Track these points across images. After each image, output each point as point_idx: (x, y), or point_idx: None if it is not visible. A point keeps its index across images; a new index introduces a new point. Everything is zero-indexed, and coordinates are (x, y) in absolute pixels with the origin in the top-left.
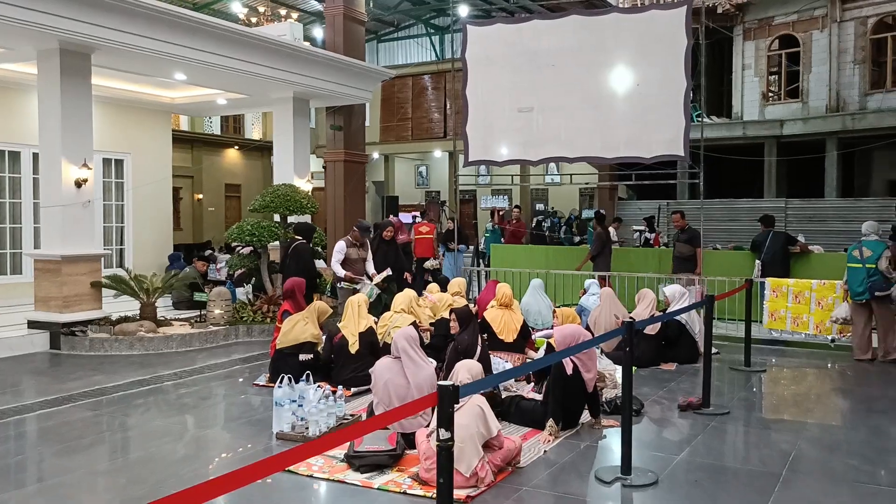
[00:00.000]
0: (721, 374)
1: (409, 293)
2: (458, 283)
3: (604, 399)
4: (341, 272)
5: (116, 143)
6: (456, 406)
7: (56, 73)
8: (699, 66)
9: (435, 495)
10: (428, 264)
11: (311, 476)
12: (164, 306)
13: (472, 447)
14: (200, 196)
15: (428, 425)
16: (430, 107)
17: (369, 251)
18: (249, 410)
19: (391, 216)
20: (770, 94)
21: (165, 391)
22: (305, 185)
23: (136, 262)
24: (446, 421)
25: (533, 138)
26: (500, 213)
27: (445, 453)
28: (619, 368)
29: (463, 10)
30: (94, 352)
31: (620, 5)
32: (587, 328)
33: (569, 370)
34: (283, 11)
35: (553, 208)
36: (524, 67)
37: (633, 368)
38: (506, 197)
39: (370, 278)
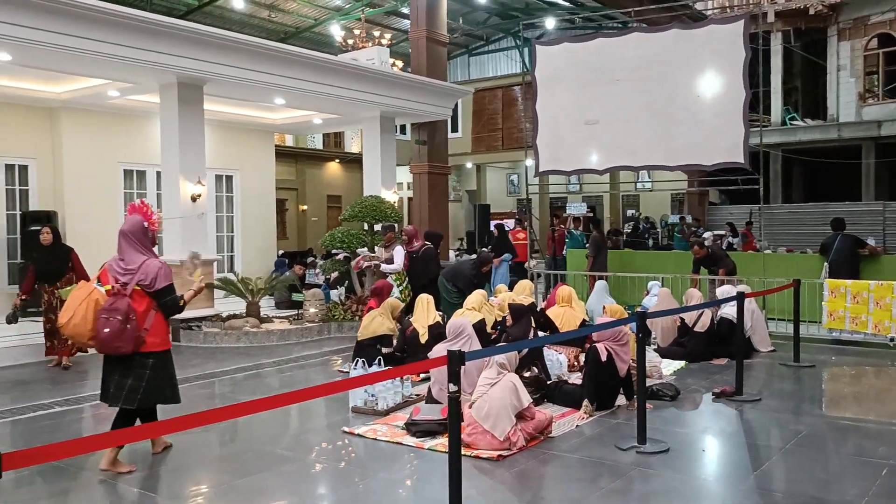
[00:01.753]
0: (769, 369)
1: (480, 293)
2: (526, 286)
3: None
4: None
5: (227, 161)
6: (492, 381)
7: (174, 103)
8: (793, 69)
9: (476, 454)
10: (527, 266)
11: (375, 439)
12: (267, 306)
13: (506, 416)
14: (304, 207)
15: (471, 403)
16: (519, 117)
17: (395, 252)
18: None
19: (407, 224)
20: (867, 95)
21: (266, 376)
22: (392, 196)
23: (244, 267)
24: (455, 378)
25: (599, 149)
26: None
27: (454, 403)
28: (663, 361)
29: (550, 23)
30: (207, 344)
31: (710, 12)
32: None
33: (603, 357)
34: (376, 33)
35: (637, 213)
36: (590, 82)
37: (685, 362)
38: (585, 204)
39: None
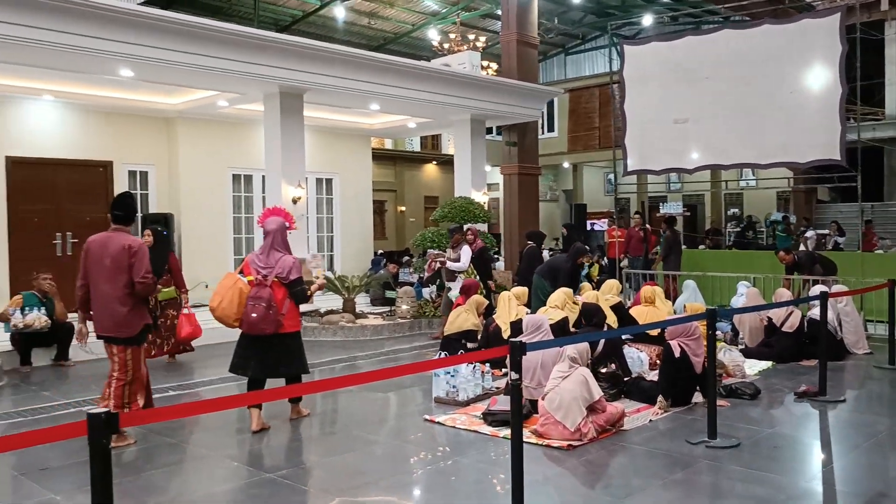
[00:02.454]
0: (860, 371)
1: (564, 291)
2: (613, 285)
3: (721, 385)
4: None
5: (326, 165)
6: (564, 374)
7: (277, 111)
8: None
9: (547, 443)
10: (623, 264)
11: (454, 427)
12: (363, 302)
13: (576, 407)
14: (403, 208)
15: (544, 395)
16: (616, 115)
17: (462, 251)
18: (420, 381)
19: (466, 225)
20: None
21: (360, 367)
22: (482, 197)
23: (343, 265)
24: (516, 366)
25: (688, 148)
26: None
27: (515, 390)
28: (747, 361)
29: (647, 20)
30: (307, 337)
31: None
32: (733, 326)
33: (676, 353)
34: (471, 36)
35: (736, 212)
36: (679, 81)
37: (772, 363)
38: (680, 203)
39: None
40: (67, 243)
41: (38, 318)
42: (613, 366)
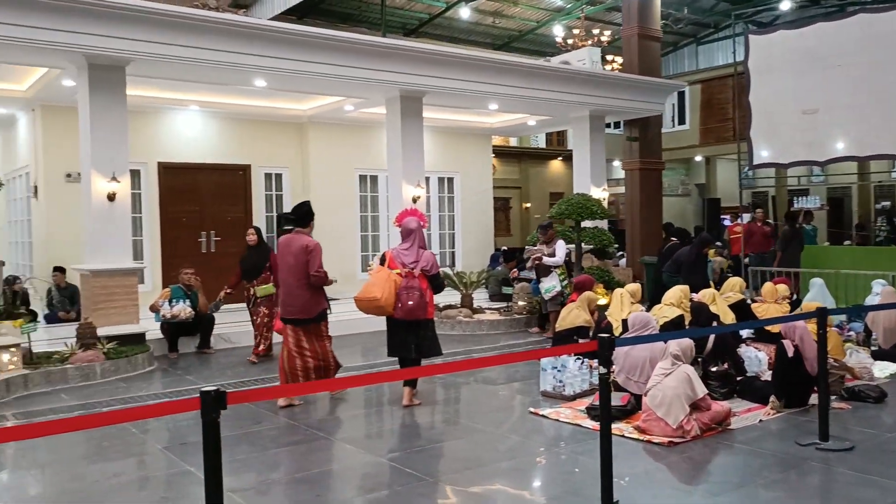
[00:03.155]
0: None
1: (680, 289)
2: (736, 283)
3: (844, 387)
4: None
5: (447, 164)
6: (667, 371)
7: (398, 114)
8: None
9: (648, 439)
10: (747, 261)
11: (557, 420)
12: (482, 298)
13: (679, 405)
14: (528, 205)
15: (646, 391)
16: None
17: (556, 247)
18: (529, 376)
19: (540, 224)
20: None
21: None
22: (601, 194)
23: (464, 262)
24: (605, 361)
25: (819, 139)
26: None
27: (604, 384)
28: (878, 363)
29: (785, 5)
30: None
31: None
32: (865, 326)
33: (790, 353)
34: (595, 31)
35: (886, 205)
36: (808, 70)
37: None
38: (818, 198)
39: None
40: (211, 241)
41: (183, 309)
42: (726, 365)
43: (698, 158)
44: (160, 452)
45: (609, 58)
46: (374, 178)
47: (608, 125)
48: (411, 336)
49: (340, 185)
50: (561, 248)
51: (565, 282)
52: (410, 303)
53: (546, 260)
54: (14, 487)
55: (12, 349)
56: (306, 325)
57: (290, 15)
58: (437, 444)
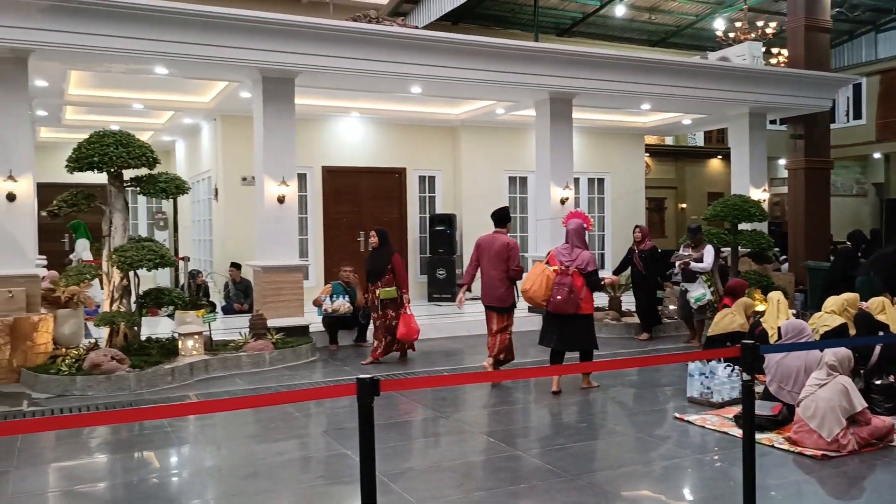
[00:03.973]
0: None
1: (844, 297)
2: None
3: None
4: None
5: (597, 165)
6: (822, 382)
7: (547, 117)
8: None
9: (800, 451)
10: None
11: (703, 427)
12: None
13: (833, 417)
14: (684, 205)
15: (799, 402)
16: None
17: (704, 251)
18: (676, 381)
19: (637, 224)
20: None
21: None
22: (761, 195)
23: (613, 264)
24: (750, 368)
25: None
26: None
27: (747, 390)
28: None
29: None
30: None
31: None
32: None
33: None
34: (759, 23)
35: None
36: None
37: None
38: None
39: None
40: (369, 240)
41: (342, 304)
42: (892, 378)
43: (877, 155)
44: (319, 435)
45: (775, 50)
46: (524, 180)
47: (772, 121)
48: (560, 329)
49: (490, 186)
50: (709, 253)
51: (712, 289)
52: (559, 297)
53: (694, 266)
54: (193, 460)
55: (196, 336)
56: (501, 313)
57: (445, 21)
58: (578, 443)
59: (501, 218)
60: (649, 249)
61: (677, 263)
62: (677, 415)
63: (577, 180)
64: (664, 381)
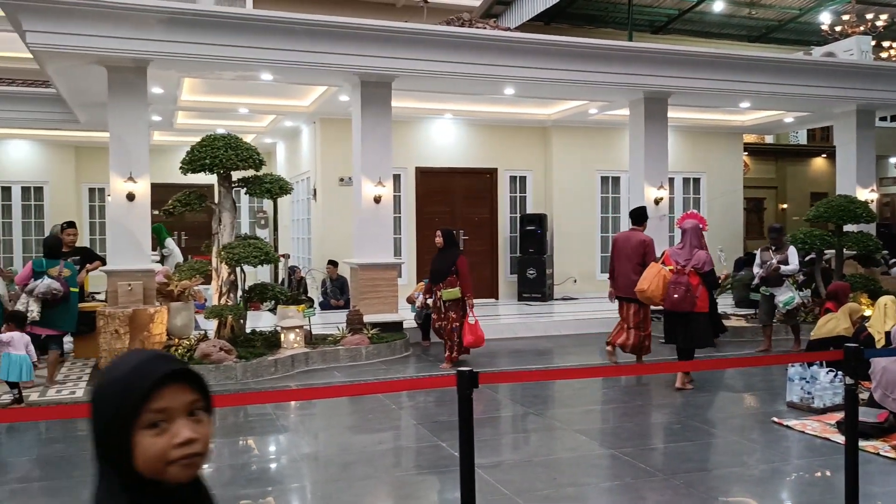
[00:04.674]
0: None
1: None
2: None
3: None
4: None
5: (693, 165)
6: None
7: (641, 116)
8: None
9: None
10: None
11: (802, 432)
12: (726, 304)
13: None
14: (784, 206)
15: None
16: None
17: (788, 253)
18: (775, 386)
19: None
20: None
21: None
22: (868, 195)
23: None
24: (853, 372)
25: None
26: None
27: (850, 395)
28: None
29: None
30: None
31: None
32: None
33: None
34: (869, 15)
35: None
36: None
37: None
38: None
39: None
40: (460, 239)
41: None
42: None
43: None
44: (415, 427)
45: (885, 44)
46: (616, 180)
47: (882, 118)
48: (679, 327)
49: (582, 186)
50: (794, 254)
51: (801, 291)
52: (675, 296)
53: (783, 269)
54: (293, 447)
55: (297, 330)
56: (639, 304)
57: (536, 21)
58: (672, 443)
59: (639, 216)
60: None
61: (764, 268)
62: (776, 419)
63: (671, 180)
64: (761, 384)
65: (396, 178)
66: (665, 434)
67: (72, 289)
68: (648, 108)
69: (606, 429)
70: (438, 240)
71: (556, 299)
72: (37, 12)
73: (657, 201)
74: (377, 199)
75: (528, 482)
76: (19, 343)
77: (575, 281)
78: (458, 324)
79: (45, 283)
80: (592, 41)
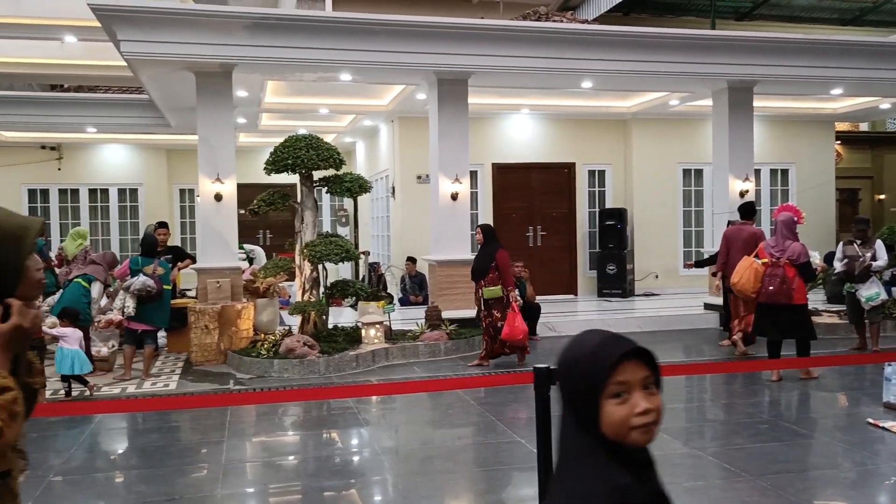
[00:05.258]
0: None
1: None
2: None
3: None
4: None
5: (780, 155)
6: None
7: (725, 106)
8: None
9: None
10: None
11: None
12: (817, 299)
13: None
14: (881, 196)
15: None
16: None
17: (875, 248)
18: (870, 386)
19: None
20: None
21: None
22: None
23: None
24: None
25: None
26: None
27: None
28: None
29: None
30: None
31: None
32: None
33: None
34: None
35: None
36: None
37: None
38: None
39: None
40: (538, 235)
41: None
42: None
43: None
44: (494, 423)
45: None
46: (699, 172)
47: None
48: (775, 319)
49: (663, 179)
50: (881, 248)
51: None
52: (771, 288)
53: (875, 265)
54: (374, 440)
55: (377, 326)
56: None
57: (615, 12)
58: (759, 443)
59: (748, 211)
60: None
61: (844, 263)
62: (871, 420)
63: (757, 172)
64: (855, 383)
65: (473, 174)
66: (752, 433)
67: (165, 286)
68: (733, 97)
69: (689, 427)
70: (479, 236)
71: (637, 295)
72: (130, 22)
73: (742, 194)
74: (454, 196)
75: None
76: (72, 338)
77: (657, 276)
78: (501, 323)
79: (140, 281)
80: (674, 31)
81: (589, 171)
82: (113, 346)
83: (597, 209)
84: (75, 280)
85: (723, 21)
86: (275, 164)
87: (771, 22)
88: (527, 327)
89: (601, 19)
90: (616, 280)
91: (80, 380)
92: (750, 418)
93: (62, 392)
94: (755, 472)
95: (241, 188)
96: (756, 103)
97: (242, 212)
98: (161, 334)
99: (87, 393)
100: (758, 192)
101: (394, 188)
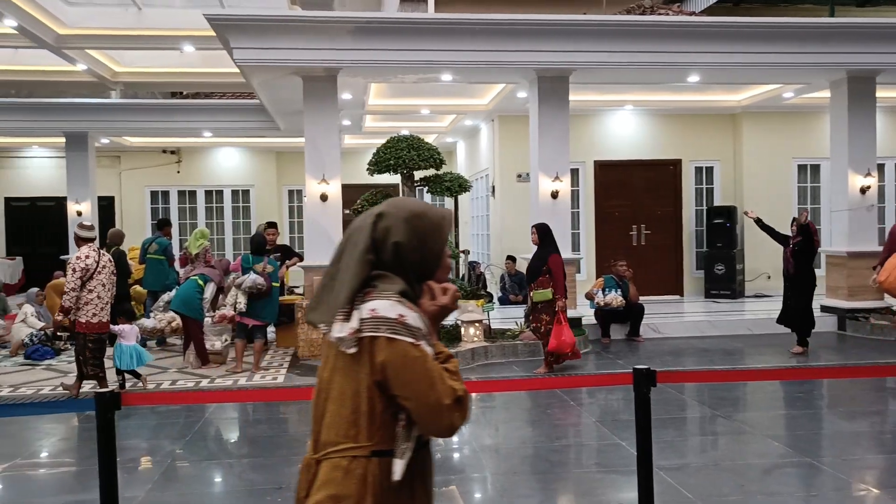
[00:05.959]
0: None
1: None
2: None
3: None
4: None
5: None
6: None
7: (844, 97)
8: None
9: None
10: None
11: None
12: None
13: None
14: None
15: None
16: None
17: None
18: None
19: (795, 216)
20: None
21: None
22: None
23: None
24: None
25: None
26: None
27: None
28: None
29: None
30: (875, 336)
31: None
32: None
33: None
34: None
35: None
36: None
37: None
38: None
39: None
40: (641, 234)
41: (615, 297)
42: None
43: None
44: (594, 425)
45: None
46: (815, 168)
47: None
48: None
49: (776, 176)
50: None
51: None
52: None
53: None
54: (474, 438)
55: (476, 324)
56: None
57: (724, 3)
58: (880, 454)
59: None
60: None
61: None
62: None
63: (881, 166)
64: None
65: (574, 172)
66: (872, 444)
67: (273, 283)
68: (852, 88)
69: (803, 435)
70: (534, 237)
71: (747, 296)
72: (242, 30)
73: (864, 190)
74: (554, 195)
75: (713, 487)
76: (130, 334)
77: (769, 277)
78: (550, 327)
79: (250, 279)
80: (788, 20)
81: (696, 167)
82: (226, 340)
83: (704, 207)
84: (192, 277)
85: (842, 8)
86: (377, 165)
87: (890, 7)
88: (574, 338)
89: (709, 11)
90: (725, 280)
91: (134, 373)
92: (871, 427)
93: (116, 385)
94: (877, 485)
95: (346, 188)
96: (878, 93)
97: (347, 211)
98: (270, 329)
99: (141, 385)
100: (881, 188)
101: (493, 187)
